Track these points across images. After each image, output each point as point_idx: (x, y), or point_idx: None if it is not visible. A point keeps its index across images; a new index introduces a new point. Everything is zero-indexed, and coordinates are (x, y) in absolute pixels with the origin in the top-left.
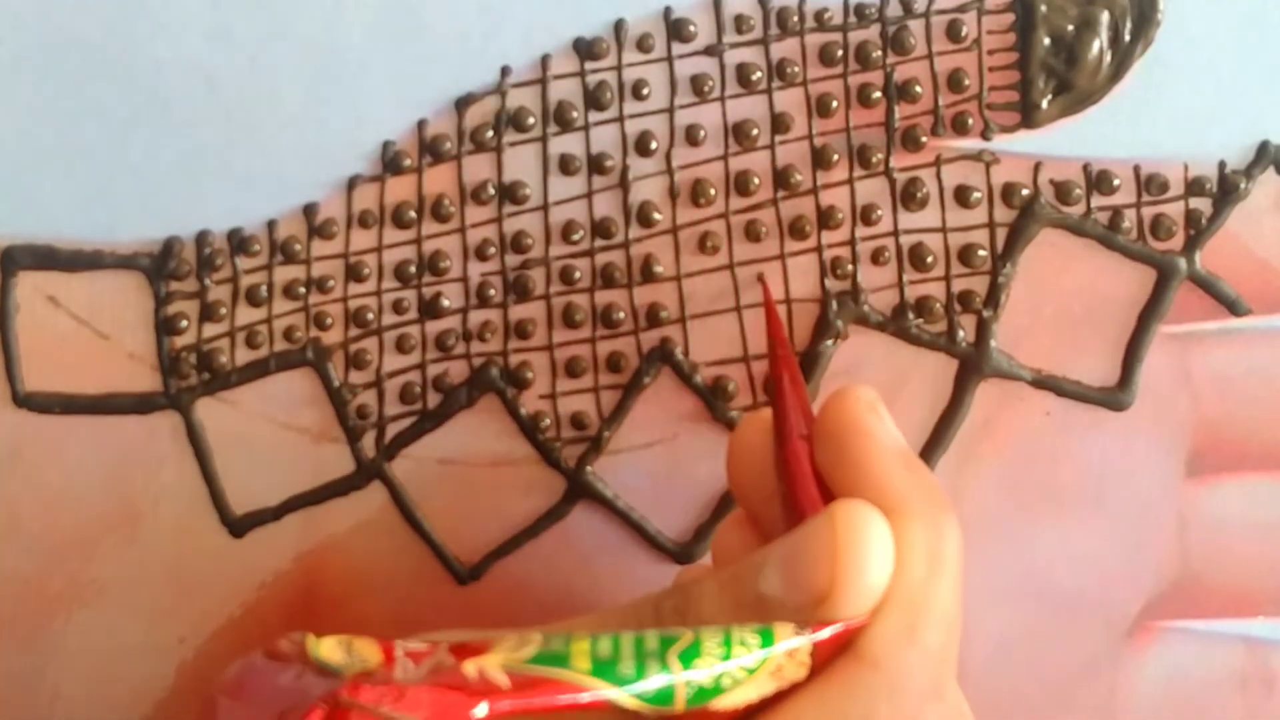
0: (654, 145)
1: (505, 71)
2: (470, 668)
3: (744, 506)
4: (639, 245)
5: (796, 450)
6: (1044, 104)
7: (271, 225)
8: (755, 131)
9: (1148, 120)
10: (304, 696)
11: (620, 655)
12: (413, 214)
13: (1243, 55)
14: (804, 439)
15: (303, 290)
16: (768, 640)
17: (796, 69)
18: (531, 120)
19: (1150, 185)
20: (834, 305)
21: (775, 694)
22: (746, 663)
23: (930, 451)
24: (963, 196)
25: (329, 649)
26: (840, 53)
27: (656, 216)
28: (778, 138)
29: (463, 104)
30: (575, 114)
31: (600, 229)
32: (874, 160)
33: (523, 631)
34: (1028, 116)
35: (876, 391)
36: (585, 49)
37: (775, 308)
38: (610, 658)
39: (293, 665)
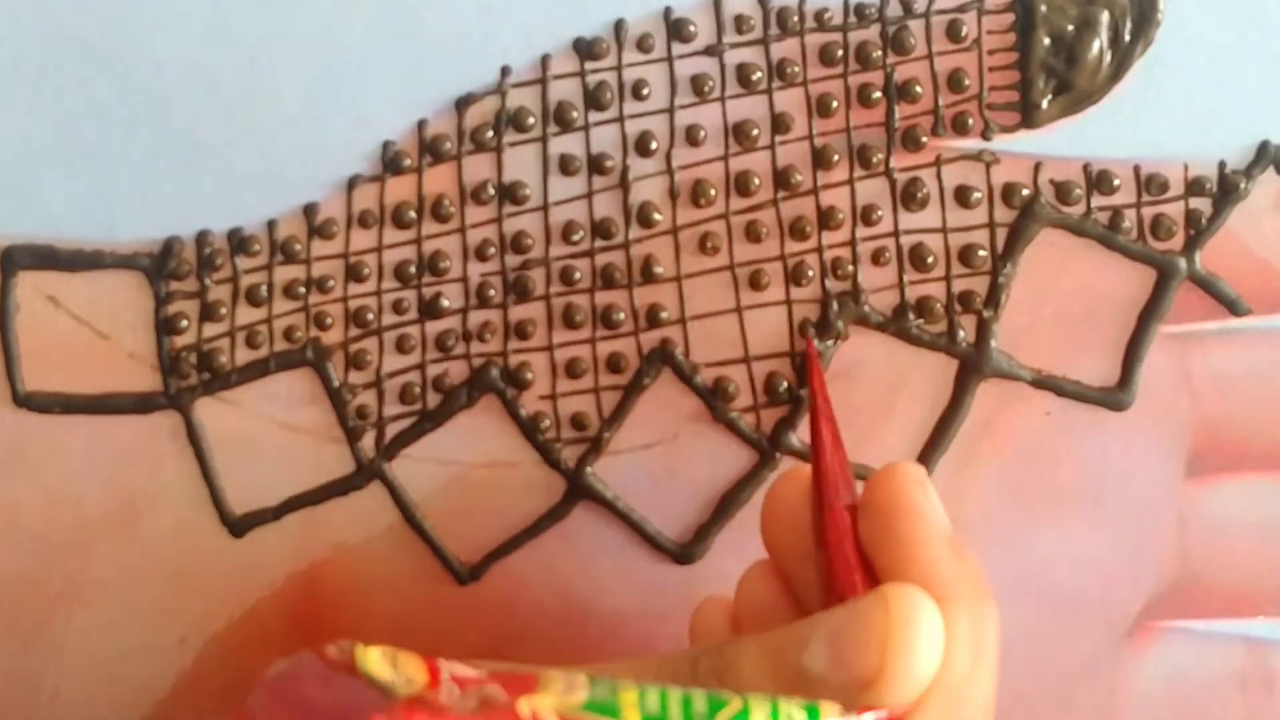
0: (654, 145)
1: (505, 71)
2: (524, 707)
3: (776, 563)
4: (639, 246)
5: (838, 519)
6: (1044, 104)
7: (271, 225)
8: (755, 132)
9: (1148, 120)
10: (354, 709)
11: (668, 713)
12: (413, 214)
13: (1243, 55)
14: (847, 508)
15: (303, 290)
16: (814, 716)
17: (797, 69)
18: (531, 120)
19: (1150, 185)
20: (834, 306)
21: None
22: None
23: (930, 452)
24: (963, 196)
25: (376, 663)
26: (840, 53)
27: (657, 217)
28: (778, 138)
29: (463, 104)
30: (575, 114)
31: (600, 229)
32: (874, 160)
33: (568, 671)
34: (1028, 116)
35: (923, 471)
36: (585, 49)
37: (819, 366)
38: (658, 713)
39: (339, 672)
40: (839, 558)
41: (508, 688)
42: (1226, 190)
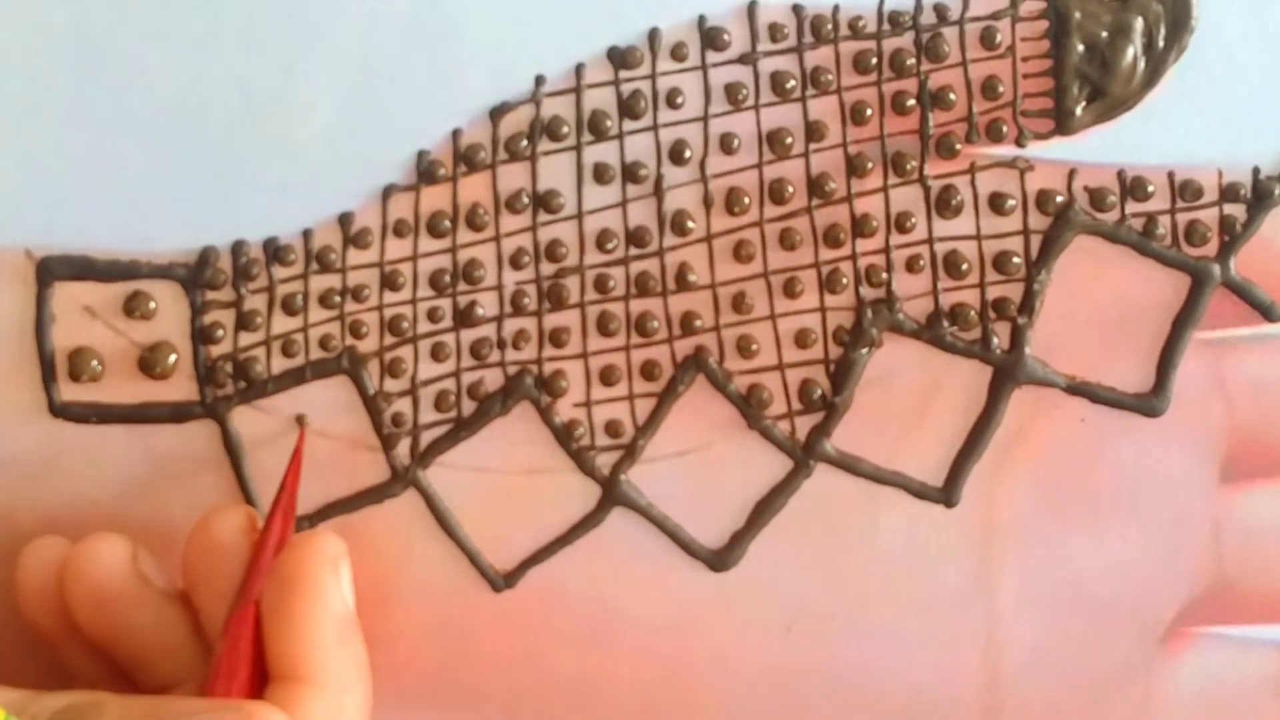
0: (688, 154)
1: (540, 81)
2: None
3: (189, 589)
4: (673, 254)
5: (248, 615)
6: (1078, 111)
7: (307, 234)
8: (790, 140)
9: (1182, 126)
10: None
11: None
12: (447, 223)
13: (1277, 60)
14: (256, 604)
15: (338, 299)
16: None
17: (831, 77)
18: (566, 129)
19: (1184, 191)
20: (868, 313)
21: None
22: None
23: (964, 459)
24: (997, 203)
25: None
26: (874, 60)
27: (691, 225)
28: (812, 146)
29: (497, 113)
30: (610, 123)
31: (635, 238)
32: (908, 168)
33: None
34: (1062, 123)
35: (341, 549)
36: (619, 58)
37: (300, 455)
38: None
39: None
40: (234, 653)
41: None
42: (1261, 196)
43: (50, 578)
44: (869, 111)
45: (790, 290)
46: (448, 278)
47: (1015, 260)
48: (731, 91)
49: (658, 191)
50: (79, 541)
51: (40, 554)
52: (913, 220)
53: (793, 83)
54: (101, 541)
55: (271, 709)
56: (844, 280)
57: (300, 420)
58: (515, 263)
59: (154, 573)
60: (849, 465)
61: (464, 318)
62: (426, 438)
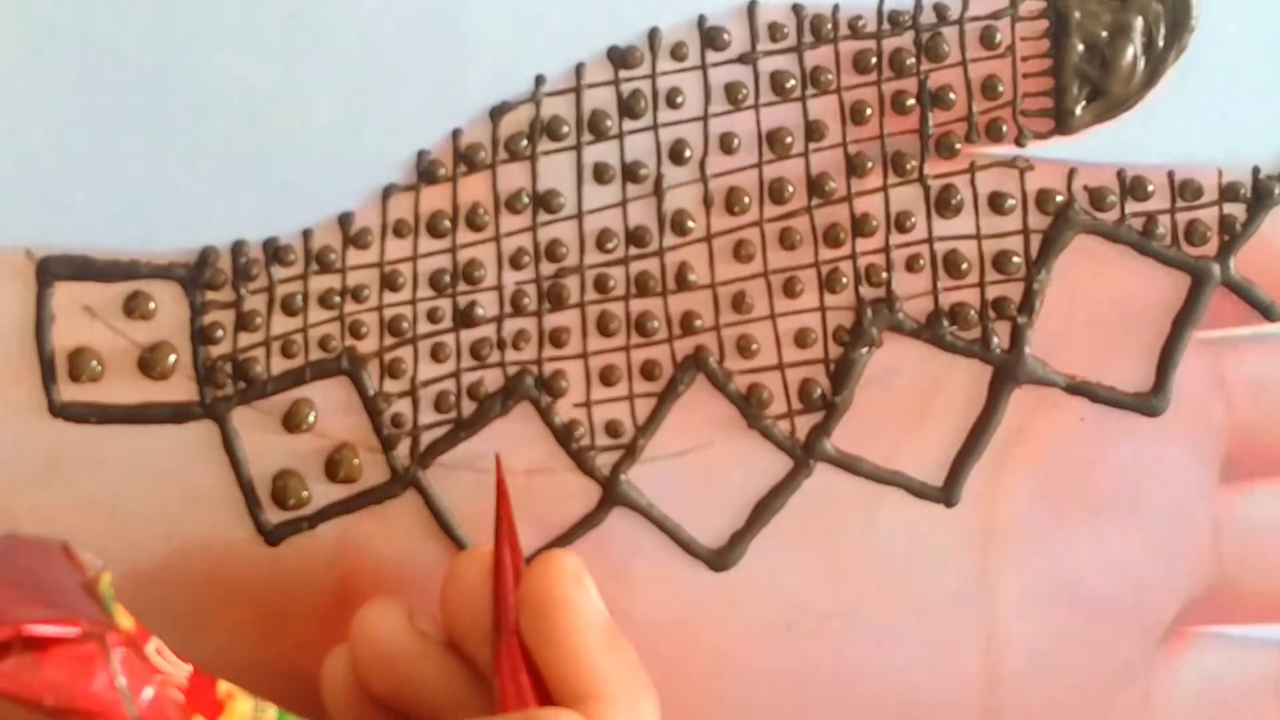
0: (688, 153)
1: (540, 80)
2: None
3: (455, 642)
4: (673, 253)
5: (511, 649)
6: (1078, 110)
7: (307, 235)
8: (789, 139)
9: (1182, 126)
10: (70, 606)
11: None
12: (447, 223)
13: (1276, 60)
14: (515, 635)
15: (338, 299)
16: None
17: (830, 76)
18: (566, 129)
19: (1184, 191)
20: (868, 313)
21: None
22: None
23: (965, 459)
24: (997, 203)
25: (109, 589)
26: (874, 60)
27: (691, 225)
28: (812, 145)
29: (497, 113)
30: (609, 122)
31: (635, 237)
32: (908, 167)
33: (260, 703)
34: (1061, 123)
35: (579, 563)
36: (619, 57)
37: (506, 487)
38: None
39: (75, 571)
40: (513, 686)
41: (191, 699)
42: (1261, 195)
43: (344, 678)
44: (869, 111)
45: (790, 290)
46: (448, 278)
47: (1015, 260)
48: (731, 91)
49: (658, 191)
50: (356, 614)
51: (334, 665)
52: (912, 220)
53: (793, 82)
54: (378, 605)
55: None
56: (844, 280)
57: (497, 456)
58: (515, 263)
59: (430, 627)
60: (849, 465)
61: (464, 318)
62: (427, 438)
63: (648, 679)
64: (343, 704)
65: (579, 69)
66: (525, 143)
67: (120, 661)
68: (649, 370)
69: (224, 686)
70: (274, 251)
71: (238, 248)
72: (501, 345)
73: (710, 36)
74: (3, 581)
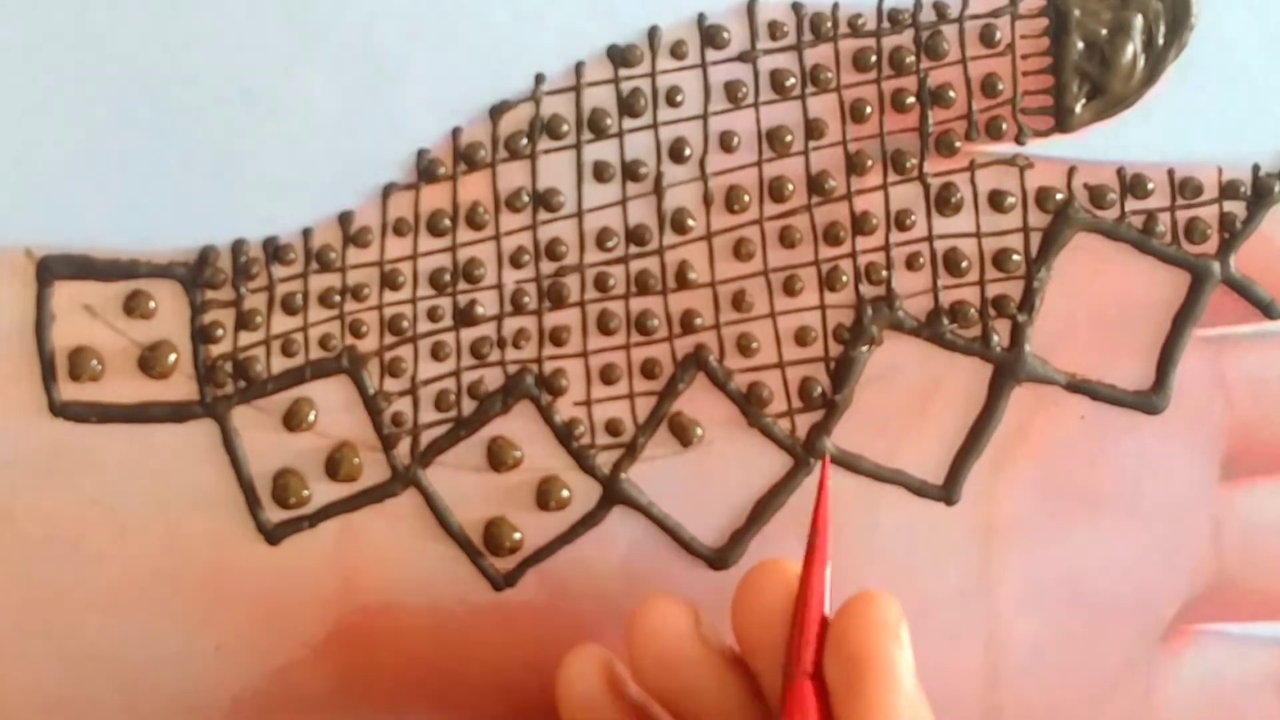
0: (688, 152)
1: (539, 79)
2: None
3: (746, 656)
4: (673, 252)
5: (802, 694)
6: (1078, 108)
7: (307, 234)
8: (789, 137)
9: (1181, 124)
10: None
11: None
12: (447, 222)
13: (1276, 58)
14: (811, 678)
15: (338, 298)
16: None
17: (830, 75)
18: (566, 127)
19: (1184, 189)
20: (868, 311)
21: None
22: None
23: (965, 457)
24: (997, 201)
25: None
26: (874, 58)
27: (691, 223)
28: (812, 143)
29: (497, 111)
30: (609, 121)
31: (635, 236)
32: (908, 165)
33: None
34: (1061, 121)
35: (899, 612)
36: (619, 56)
37: (827, 499)
38: None
39: None
40: None
41: None
42: (1261, 193)
43: (595, 677)
44: (869, 109)
45: (790, 288)
46: (448, 277)
47: (1015, 258)
48: (731, 89)
49: (658, 190)
50: (643, 605)
51: (582, 664)
52: (912, 218)
53: (792, 80)
54: (668, 605)
55: None
56: (844, 278)
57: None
58: (515, 261)
59: (714, 636)
60: (849, 463)
61: (464, 317)
62: (427, 437)
63: None
64: (585, 704)
65: (579, 67)
66: (525, 141)
67: None
68: (649, 369)
69: None
70: (274, 250)
71: (238, 247)
72: (502, 344)
73: (710, 35)
74: None
